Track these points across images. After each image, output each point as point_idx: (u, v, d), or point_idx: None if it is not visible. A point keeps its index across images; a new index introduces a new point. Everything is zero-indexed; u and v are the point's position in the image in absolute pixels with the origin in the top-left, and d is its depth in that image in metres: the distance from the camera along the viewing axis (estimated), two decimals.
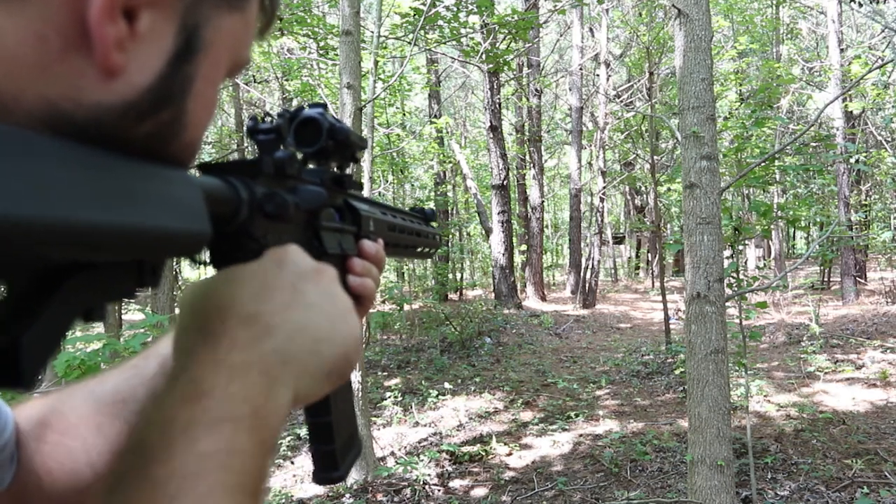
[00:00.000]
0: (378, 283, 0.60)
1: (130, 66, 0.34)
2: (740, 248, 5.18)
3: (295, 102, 11.81)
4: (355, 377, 5.01)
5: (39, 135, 0.28)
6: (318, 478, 0.52)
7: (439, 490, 4.80)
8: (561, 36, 19.24)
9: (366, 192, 5.16)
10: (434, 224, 0.81)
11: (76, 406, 0.57)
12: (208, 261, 0.44)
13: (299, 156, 0.53)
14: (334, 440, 0.52)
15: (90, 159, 0.30)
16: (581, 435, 5.84)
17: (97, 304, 0.34)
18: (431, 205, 17.02)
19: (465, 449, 5.50)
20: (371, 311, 10.94)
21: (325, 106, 0.54)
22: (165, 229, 0.33)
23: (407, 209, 0.77)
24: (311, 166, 0.55)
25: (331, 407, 0.51)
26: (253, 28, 0.45)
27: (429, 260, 16.78)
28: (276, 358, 0.40)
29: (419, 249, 0.77)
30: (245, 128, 0.50)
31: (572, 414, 6.42)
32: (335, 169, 0.57)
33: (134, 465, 0.33)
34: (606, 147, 15.62)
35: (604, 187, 15.26)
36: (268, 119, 0.49)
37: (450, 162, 15.43)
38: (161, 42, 0.36)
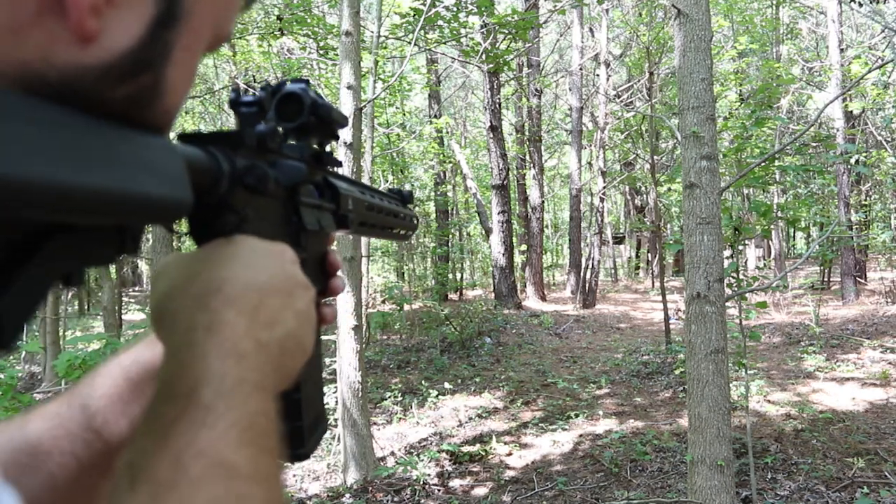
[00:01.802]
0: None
1: (107, 31, 0.33)
2: (740, 248, 5.18)
3: None
4: (355, 377, 5.01)
5: (13, 94, 0.28)
6: (284, 455, 0.53)
7: (439, 490, 4.80)
8: (561, 36, 19.24)
9: None
10: (411, 206, 0.80)
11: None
12: (187, 231, 0.44)
13: (280, 130, 0.52)
14: (302, 418, 0.52)
15: (70, 120, 0.30)
16: (581, 435, 5.84)
17: (77, 270, 0.33)
18: (431, 205, 17.02)
19: (465, 449, 5.50)
20: (371, 311, 10.86)
21: (307, 81, 0.54)
22: (147, 194, 0.32)
23: (385, 190, 0.76)
24: (291, 142, 0.54)
25: (300, 385, 0.51)
26: (237, 1, 0.45)
27: (428, 260, 16.83)
28: (274, 351, 0.41)
29: (395, 231, 0.76)
30: (228, 100, 0.50)
31: (572, 414, 6.42)
32: (315, 145, 0.57)
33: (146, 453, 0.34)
34: (606, 147, 15.62)
35: (604, 187, 15.25)
36: (250, 92, 0.49)
37: (450, 162, 15.44)
38: (140, 8, 0.35)
